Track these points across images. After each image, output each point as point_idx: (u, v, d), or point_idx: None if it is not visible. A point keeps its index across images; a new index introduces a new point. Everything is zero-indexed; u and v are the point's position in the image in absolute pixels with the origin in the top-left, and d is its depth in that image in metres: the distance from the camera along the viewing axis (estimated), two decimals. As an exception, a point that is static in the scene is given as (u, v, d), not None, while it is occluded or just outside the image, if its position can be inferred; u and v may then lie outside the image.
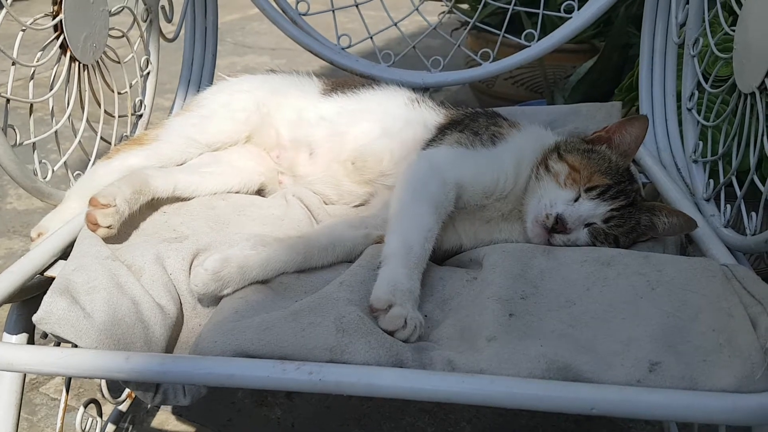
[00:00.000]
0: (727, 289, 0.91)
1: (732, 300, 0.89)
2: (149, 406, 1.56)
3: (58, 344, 0.99)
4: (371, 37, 1.72)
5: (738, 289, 0.91)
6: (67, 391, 1.19)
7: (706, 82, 1.32)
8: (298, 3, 1.71)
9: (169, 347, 0.94)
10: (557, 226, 1.08)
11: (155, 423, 1.54)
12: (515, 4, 1.66)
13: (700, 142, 1.34)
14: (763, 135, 1.07)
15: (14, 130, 1.09)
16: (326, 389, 0.79)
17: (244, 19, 4.74)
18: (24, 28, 1.11)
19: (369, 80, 1.52)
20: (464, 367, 0.82)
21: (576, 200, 1.10)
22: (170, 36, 1.61)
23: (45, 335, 1.09)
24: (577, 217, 1.09)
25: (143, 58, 1.51)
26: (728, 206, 1.18)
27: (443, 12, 1.88)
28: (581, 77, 2.48)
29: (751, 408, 0.76)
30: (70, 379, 1.20)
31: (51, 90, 1.18)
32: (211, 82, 1.66)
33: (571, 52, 2.63)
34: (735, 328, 0.84)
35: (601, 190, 1.10)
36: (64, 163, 1.24)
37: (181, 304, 0.98)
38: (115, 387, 1.42)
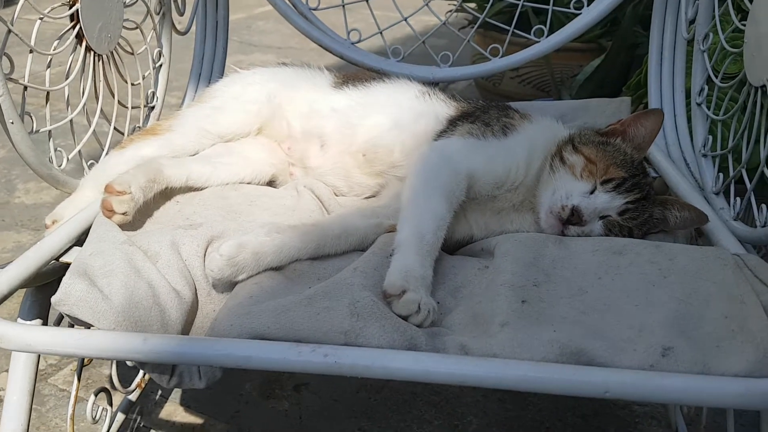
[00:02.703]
0: (739, 277, 0.92)
1: (744, 288, 0.89)
2: (157, 397, 1.57)
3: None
4: (381, 32, 1.73)
5: (750, 277, 0.92)
6: (79, 379, 1.20)
7: (716, 78, 1.32)
8: (308, -3, 1.72)
9: (185, 332, 0.94)
10: (573, 218, 1.08)
11: (163, 414, 1.55)
12: (524, 2, 1.67)
13: (710, 137, 1.35)
14: (773, 127, 1.08)
15: (31, 117, 1.10)
16: (341, 371, 0.80)
17: (250, 18, 4.76)
18: (42, 16, 1.12)
19: (379, 74, 1.52)
20: (477, 351, 0.83)
21: (592, 192, 1.11)
22: (182, 29, 1.62)
23: (58, 323, 1.10)
24: (593, 209, 1.09)
25: (156, 50, 1.52)
26: (738, 199, 1.19)
27: (451, 10, 1.89)
28: (588, 76, 2.49)
29: (764, 392, 0.76)
30: (81, 366, 1.21)
31: (67, 79, 1.19)
32: (221, 77, 1.66)
33: (578, 51, 2.65)
34: (747, 314, 0.85)
35: (617, 182, 1.11)
36: (79, 152, 1.25)
37: (196, 289, 0.98)
38: (125, 377, 1.42)
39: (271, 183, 1.38)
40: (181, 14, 1.60)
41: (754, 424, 0.93)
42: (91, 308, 0.85)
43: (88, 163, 1.29)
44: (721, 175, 1.27)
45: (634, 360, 0.80)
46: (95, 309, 0.85)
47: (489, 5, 1.74)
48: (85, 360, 1.30)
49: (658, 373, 0.79)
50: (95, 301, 0.85)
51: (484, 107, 1.30)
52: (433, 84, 1.62)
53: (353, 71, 1.55)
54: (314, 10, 1.73)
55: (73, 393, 1.18)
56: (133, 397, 1.49)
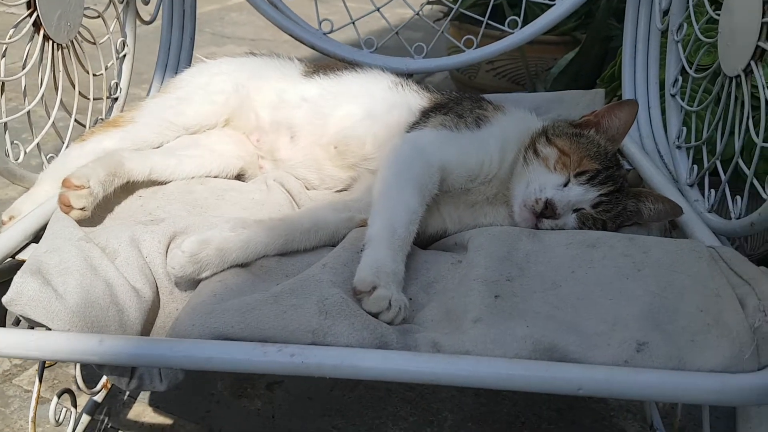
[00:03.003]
0: (714, 270, 0.90)
1: (719, 280, 0.88)
2: (125, 398, 1.53)
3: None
4: (353, 22, 1.69)
5: (725, 270, 0.91)
6: (40, 380, 1.15)
7: (690, 69, 1.32)
8: (278, -14, 1.68)
9: (145, 332, 0.91)
10: (546, 211, 1.07)
11: (131, 415, 1.51)
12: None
13: (684, 128, 1.34)
14: (748, 117, 1.07)
15: (-16, 109, 1.05)
16: (308, 372, 0.77)
17: (223, 10, 4.69)
18: (-6, 3, 1.07)
19: (352, 64, 1.49)
20: (449, 348, 0.81)
21: (565, 185, 1.09)
22: (147, 19, 1.57)
23: (17, 323, 1.06)
24: (567, 202, 1.08)
25: (119, 40, 1.48)
26: (712, 191, 1.18)
27: (426, 2, 1.86)
28: (562, 69, 2.48)
29: (740, 388, 0.75)
30: (43, 367, 1.16)
31: (24, 68, 1.14)
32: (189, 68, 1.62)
33: (552, 44, 2.64)
34: (723, 307, 0.84)
35: (591, 175, 1.09)
36: (37, 145, 1.20)
37: (157, 288, 0.95)
38: (90, 377, 1.38)
39: (239, 177, 1.34)
40: (146, 2, 1.56)
41: (730, 416, 0.92)
42: (45, 308, 0.81)
43: (48, 157, 1.24)
44: (695, 166, 1.27)
45: (608, 355, 0.79)
46: (48, 309, 0.81)
47: (462, -3, 1.72)
48: (47, 361, 1.25)
49: (632, 369, 0.77)
50: (48, 301, 0.81)
51: (458, 99, 1.27)
52: (407, 76, 1.60)
53: (325, 61, 1.52)
54: (284, -1, 1.69)
55: (35, 394, 1.14)
56: (98, 398, 1.45)
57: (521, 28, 1.65)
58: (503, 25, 1.66)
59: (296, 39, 1.67)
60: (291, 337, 0.81)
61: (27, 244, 1.02)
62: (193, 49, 1.66)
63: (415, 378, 0.77)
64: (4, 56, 1.12)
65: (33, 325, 0.88)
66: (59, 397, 1.17)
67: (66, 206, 1.01)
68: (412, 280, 0.98)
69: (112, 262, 0.91)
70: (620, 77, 1.61)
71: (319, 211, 1.09)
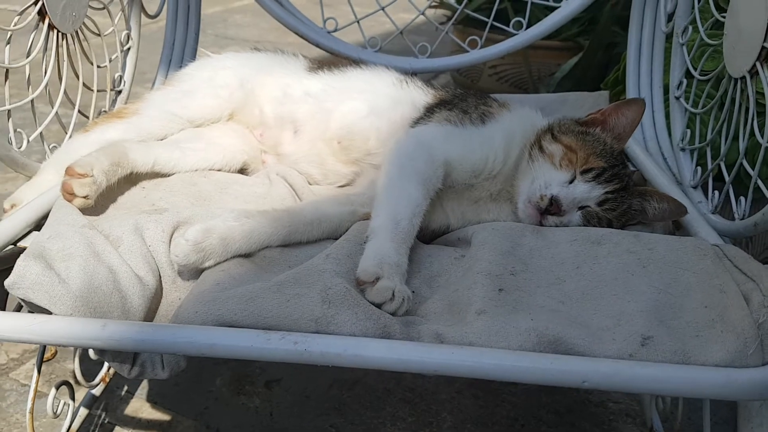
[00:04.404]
0: (719, 267, 0.90)
1: (724, 277, 0.88)
2: (123, 393, 1.52)
3: (30, 316, 0.95)
4: (358, 21, 1.70)
5: (729, 267, 0.91)
6: (39, 371, 1.15)
7: (695, 71, 1.32)
8: (284, -16, 1.69)
9: (147, 320, 0.90)
10: (551, 208, 1.06)
11: (129, 410, 1.50)
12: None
13: (688, 130, 1.34)
14: (753, 118, 1.07)
15: (-12, 96, 1.05)
16: (311, 359, 0.77)
17: (226, 11, 4.70)
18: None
19: (356, 62, 1.49)
20: (453, 339, 0.81)
21: (571, 182, 1.09)
22: (152, 13, 1.57)
23: (18, 310, 1.05)
24: (572, 200, 1.08)
25: (124, 33, 1.48)
26: (716, 192, 1.18)
27: (428, 4, 1.87)
28: (566, 74, 2.49)
29: (744, 382, 0.75)
30: (42, 358, 1.16)
31: (28, 56, 1.14)
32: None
33: (555, 49, 2.64)
34: (727, 304, 0.83)
35: (597, 172, 1.09)
36: (40, 134, 1.20)
37: (160, 276, 0.94)
38: (89, 371, 1.37)
39: (242, 170, 1.34)
40: (152, -3, 1.56)
41: (728, 421, 0.91)
42: (47, 292, 0.81)
43: (51, 146, 1.24)
44: (699, 168, 1.27)
45: (613, 349, 0.78)
46: (51, 293, 0.81)
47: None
48: (47, 353, 1.24)
49: (637, 362, 0.77)
50: (52, 285, 0.81)
51: (463, 95, 1.27)
52: (410, 74, 1.60)
53: (329, 58, 1.52)
54: (290, -3, 1.70)
55: (33, 386, 1.13)
56: (96, 391, 1.44)
57: (526, 29, 1.65)
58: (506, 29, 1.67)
59: (301, 37, 1.68)
60: (294, 325, 0.80)
61: (29, 232, 1.02)
62: (197, 45, 1.67)
63: (418, 368, 0.76)
64: (8, 43, 1.12)
65: (33, 311, 0.88)
66: (57, 390, 1.17)
67: (69, 194, 1.01)
68: (415, 274, 0.98)
69: (116, 249, 0.90)
70: (624, 82, 1.61)
71: (323, 204, 1.09)
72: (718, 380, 0.75)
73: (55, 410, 1.16)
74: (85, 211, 1.02)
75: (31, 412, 1.13)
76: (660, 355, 0.78)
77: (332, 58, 1.64)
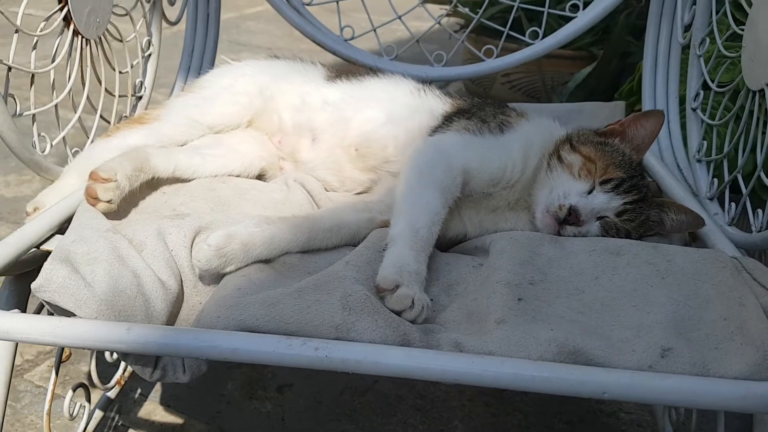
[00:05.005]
0: (738, 280, 0.90)
1: (743, 290, 0.88)
2: (137, 395, 1.53)
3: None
4: (375, 30, 1.71)
5: (748, 279, 0.91)
6: (57, 373, 1.16)
7: (712, 83, 1.32)
8: (302, -8, 1.70)
9: (169, 323, 0.91)
10: (570, 218, 1.07)
11: (142, 413, 1.51)
12: (519, 4, 1.67)
13: (704, 142, 1.34)
14: (771, 131, 1.07)
15: (14, 99, 1.06)
16: (332, 366, 0.77)
17: (240, 18, 4.73)
18: (28, -4, 1.09)
19: (373, 70, 1.50)
20: (472, 348, 0.81)
21: (590, 192, 1.09)
22: (173, 20, 1.59)
23: (38, 311, 1.07)
24: (591, 210, 1.08)
25: (145, 39, 1.49)
26: (732, 205, 1.18)
27: (443, 13, 1.88)
28: (579, 83, 2.49)
29: (763, 395, 0.75)
30: (60, 360, 1.17)
31: (53, 62, 1.16)
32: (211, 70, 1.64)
33: (569, 58, 2.65)
34: (746, 316, 0.84)
35: (616, 183, 1.09)
36: (63, 138, 1.21)
37: (181, 280, 0.95)
38: (104, 374, 1.39)
39: (260, 176, 1.35)
40: (172, 4, 1.57)
41: (747, 417, 0.91)
42: (73, 295, 0.82)
43: (73, 151, 1.25)
44: (715, 180, 1.27)
45: (633, 360, 0.79)
46: (77, 296, 0.82)
47: (482, 8, 1.73)
48: (63, 355, 1.26)
49: (657, 373, 0.77)
50: (77, 288, 0.82)
51: (481, 104, 1.28)
52: (426, 83, 1.61)
53: (346, 67, 1.53)
54: (307, 5, 1.71)
55: (50, 387, 1.14)
56: (112, 394, 1.45)
57: (541, 39, 1.66)
58: (522, 38, 1.68)
59: (318, 44, 1.69)
60: (315, 331, 0.81)
61: (52, 235, 1.02)
62: (215, 52, 1.68)
63: (438, 376, 0.77)
64: (35, 49, 1.14)
65: (56, 313, 0.89)
66: (74, 392, 1.18)
67: (93, 198, 1.02)
68: (434, 282, 0.98)
69: (139, 253, 0.91)
70: (638, 92, 1.61)
71: (341, 211, 1.10)
72: (738, 393, 0.75)
73: (71, 412, 1.17)
74: (108, 215, 1.03)
75: (48, 414, 1.14)
76: (679, 367, 0.78)
77: (349, 66, 1.65)
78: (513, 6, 1.69)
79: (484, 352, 0.80)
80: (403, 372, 0.77)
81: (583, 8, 1.63)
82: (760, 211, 1.09)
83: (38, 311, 1.06)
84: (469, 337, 0.83)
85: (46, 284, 0.83)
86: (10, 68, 1.06)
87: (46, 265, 0.84)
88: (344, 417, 1.51)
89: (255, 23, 4.61)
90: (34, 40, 1.12)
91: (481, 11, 1.73)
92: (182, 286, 0.95)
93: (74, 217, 0.99)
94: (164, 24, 1.56)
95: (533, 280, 0.93)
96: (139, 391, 1.55)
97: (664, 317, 0.85)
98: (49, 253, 0.93)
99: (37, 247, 1.00)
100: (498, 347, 0.80)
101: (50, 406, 1.15)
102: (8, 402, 0.99)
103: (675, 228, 1.14)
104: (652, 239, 1.14)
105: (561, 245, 1.03)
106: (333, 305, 0.84)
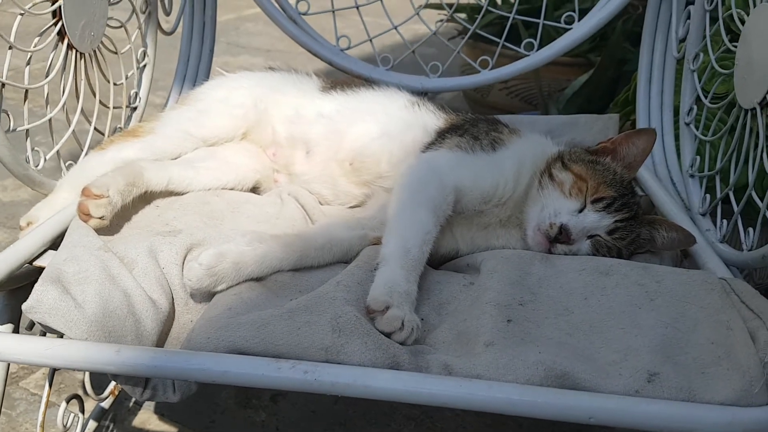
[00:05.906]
0: (726, 303, 0.91)
1: (731, 313, 0.89)
2: (131, 404, 1.53)
3: (43, 335, 0.97)
4: (371, 40, 1.71)
5: (736, 302, 0.91)
6: (50, 385, 1.16)
7: (705, 98, 1.32)
8: (298, 2, 1.70)
9: (160, 342, 0.92)
10: (560, 236, 1.07)
11: (137, 422, 1.51)
12: (515, 15, 1.67)
13: (698, 157, 1.34)
14: (762, 150, 1.07)
15: (8, 115, 1.07)
16: (321, 389, 0.78)
17: (239, 20, 4.73)
18: (22, 12, 1.09)
19: (368, 82, 1.51)
20: (461, 371, 0.81)
21: (581, 211, 1.10)
22: (168, 29, 1.59)
23: (31, 327, 1.07)
24: (582, 228, 1.08)
25: (140, 50, 1.49)
26: (724, 221, 1.19)
27: (441, 20, 1.88)
28: (576, 91, 2.49)
29: (748, 421, 0.75)
30: (53, 372, 1.17)
31: (47, 77, 1.16)
32: (207, 79, 1.63)
33: (566, 65, 2.64)
34: (734, 341, 0.84)
35: (607, 202, 1.10)
36: (57, 152, 1.21)
37: (173, 298, 0.96)
38: (98, 383, 1.39)
39: (254, 189, 1.35)
40: (168, 14, 1.58)
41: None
42: (64, 317, 0.82)
43: (67, 164, 1.25)
44: (708, 195, 1.27)
45: (620, 385, 0.79)
46: (68, 318, 0.82)
47: (480, 16, 1.73)
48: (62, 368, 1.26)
49: (644, 399, 0.77)
50: (68, 310, 0.82)
51: (474, 120, 1.28)
52: (421, 93, 1.61)
53: (342, 77, 1.53)
54: (304, 15, 1.71)
55: (44, 399, 1.14)
56: (106, 404, 1.46)
57: (537, 50, 1.66)
58: (518, 46, 1.67)
59: (314, 54, 1.69)
60: (304, 353, 0.81)
61: (45, 251, 1.03)
62: (211, 61, 1.68)
63: (426, 400, 0.77)
64: (28, 64, 1.14)
65: (48, 332, 0.89)
66: (68, 403, 1.18)
67: (85, 215, 1.02)
68: (424, 300, 0.98)
69: (130, 272, 0.92)
70: (634, 102, 1.61)
71: (333, 228, 1.10)
72: (723, 419, 0.75)
73: (65, 423, 1.18)
74: (100, 230, 1.04)
75: (42, 426, 1.14)
76: (666, 392, 0.78)
77: (344, 76, 1.65)
78: (510, 14, 1.69)
79: (472, 375, 0.81)
80: (391, 395, 0.78)
81: (579, 20, 1.63)
82: (751, 229, 1.09)
83: (31, 327, 1.07)
84: (458, 360, 0.83)
85: (36, 305, 0.83)
86: (3, 84, 1.06)
87: (37, 286, 0.85)
88: (338, 426, 1.52)
89: (254, 25, 4.61)
90: (28, 56, 1.12)
91: (478, 19, 1.72)
92: (173, 304, 0.95)
93: (66, 235, 1.00)
94: (160, 34, 1.56)
95: (523, 301, 0.93)
96: (133, 400, 1.55)
97: (651, 340, 0.85)
98: (41, 268, 0.94)
99: (30, 262, 1.00)
100: (486, 370, 0.81)
101: (44, 417, 1.15)
102: (4, 410, 0.99)
103: (666, 246, 1.14)
104: (643, 257, 1.15)
105: (551, 264, 1.03)
106: (323, 327, 0.84)
